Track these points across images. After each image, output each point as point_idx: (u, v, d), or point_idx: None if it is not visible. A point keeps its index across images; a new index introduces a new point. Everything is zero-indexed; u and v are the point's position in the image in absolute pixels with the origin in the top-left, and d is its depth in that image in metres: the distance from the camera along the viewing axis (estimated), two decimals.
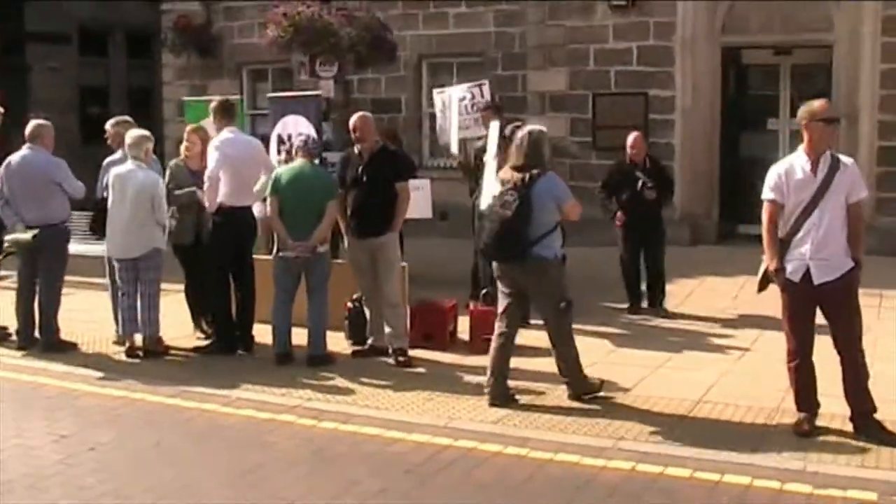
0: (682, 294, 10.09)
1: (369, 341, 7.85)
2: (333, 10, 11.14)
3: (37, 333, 8.02)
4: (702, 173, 13.15)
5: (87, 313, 9.28)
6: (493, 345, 6.50)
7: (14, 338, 8.18)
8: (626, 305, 9.34)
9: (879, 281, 8.68)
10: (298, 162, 7.52)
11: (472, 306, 8.19)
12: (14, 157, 7.90)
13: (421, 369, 7.41)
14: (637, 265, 9.38)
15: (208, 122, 10.81)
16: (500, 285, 6.56)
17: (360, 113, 7.79)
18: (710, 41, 12.96)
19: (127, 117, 8.54)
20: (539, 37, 13.85)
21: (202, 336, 8.33)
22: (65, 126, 17.72)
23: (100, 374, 7.23)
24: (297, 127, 10.14)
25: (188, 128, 8.31)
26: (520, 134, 6.49)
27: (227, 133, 7.81)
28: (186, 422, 6.17)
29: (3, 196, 7.99)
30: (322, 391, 6.72)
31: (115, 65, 19.27)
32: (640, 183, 9.02)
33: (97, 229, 7.84)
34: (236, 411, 6.31)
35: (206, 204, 7.66)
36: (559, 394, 6.58)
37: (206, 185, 7.60)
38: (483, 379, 6.74)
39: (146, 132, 7.94)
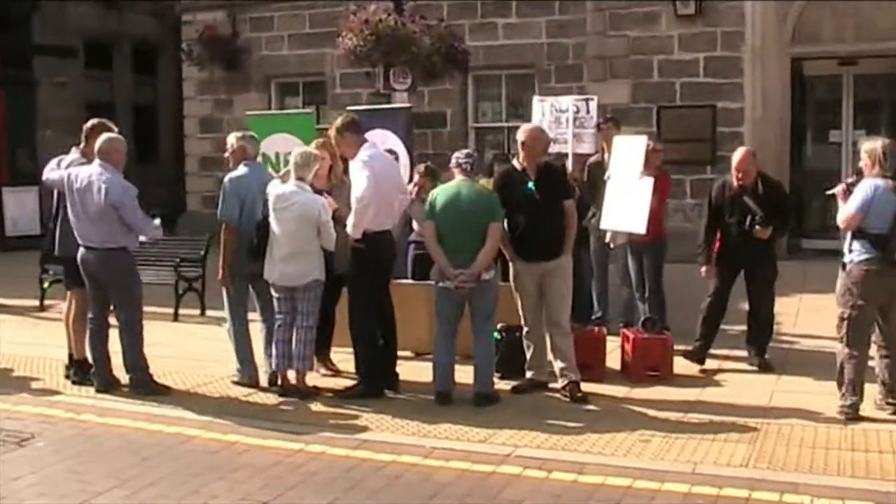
0: (790, 313, 9.60)
1: (529, 375, 7.19)
2: (417, 17, 10.44)
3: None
4: None
5: (169, 348, 8.49)
6: (852, 362, 6.28)
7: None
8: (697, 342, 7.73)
9: None
10: (457, 182, 6.84)
11: (631, 334, 7.58)
12: (81, 173, 6.99)
13: (597, 405, 6.78)
14: (725, 306, 7.78)
15: (275, 140, 10.17)
16: (861, 302, 6.30)
17: (529, 126, 7.14)
18: (780, 51, 12.63)
19: (251, 132, 7.71)
20: (599, 47, 13.38)
21: (328, 373, 7.60)
22: (73, 145, 16.75)
23: (252, 423, 6.43)
24: (384, 142, 9.44)
25: (315, 142, 7.54)
26: (872, 146, 6.35)
27: (367, 148, 7.07)
28: (396, 479, 5.37)
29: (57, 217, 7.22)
30: (521, 435, 6.02)
31: (120, 80, 18.28)
32: (748, 219, 7.44)
33: (258, 254, 6.98)
34: (445, 464, 5.56)
35: (350, 229, 6.88)
36: (786, 429, 6.06)
37: (356, 208, 6.81)
38: (667, 414, 6.41)
39: (315, 150, 7.14)
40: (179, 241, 10.92)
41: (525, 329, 7.17)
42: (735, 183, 7.61)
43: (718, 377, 7.52)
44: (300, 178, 6.93)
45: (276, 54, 15.50)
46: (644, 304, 8.57)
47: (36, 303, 11.00)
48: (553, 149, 9.88)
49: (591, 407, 6.71)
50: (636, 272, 8.63)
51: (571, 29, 13.79)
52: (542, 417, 6.42)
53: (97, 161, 6.99)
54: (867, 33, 12.27)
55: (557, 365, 7.01)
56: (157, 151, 18.84)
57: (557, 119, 10.02)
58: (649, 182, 7.91)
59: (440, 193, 6.81)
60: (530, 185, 6.91)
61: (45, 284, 10.98)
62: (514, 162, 7.16)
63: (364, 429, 6.24)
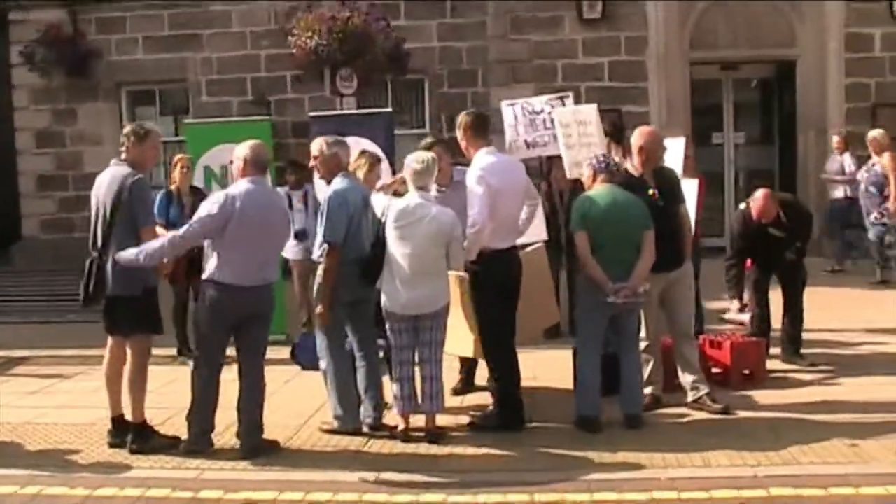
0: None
1: (648, 391, 6.77)
2: (379, 17, 9.64)
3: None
4: None
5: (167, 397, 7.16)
6: None
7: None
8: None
9: None
10: (605, 188, 6.29)
11: (723, 340, 7.37)
12: (241, 193, 5.74)
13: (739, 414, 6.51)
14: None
15: (222, 149, 9.08)
16: None
17: (647, 128, 6.71)
18: (681, 56, 13.04)
19: (340, 137, 6.59)
20: (502, 52, 13.11)
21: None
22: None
23: (418, 477, 5.49)
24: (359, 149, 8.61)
25: (424, 142, 6.68)
26: None
27: (487, 155, 6.34)
28: None
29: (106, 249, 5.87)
30: (728, 455, 5.62)
31: None
32: (787, 255, 7.59)
33: (373, 279, 6.00)
34: (709, 494, 5.01)
35: (468, 253, 6.15)
36: None
37: (471, 230, 6.09)
38: (826, 416, 6.28)
39: (433, 154, 6.20)
40: None
41: (645, 343, 6.76)
42: (755, 218, 7.55)
43: (798, 377, 7.49)
44: (421, 188, 6.07)
45: (127, 59, 13.74)
46: None
47: None
48: (533, 153, 9.54)
49: (732, 416, 6.43)
50: None
51: (465, 32, 13.41)
52: (714, 434, 6.04)
53: (248, 179, 5.73)
54: (756, 40, 12.97)
55: (687, 377, 6.68)
56: None
57: (532, 122, 9.61)
58: (694, 184, 7.81)
59: (593, 201, 6.23)
60: (651, 190, 6.55)
61: None
62: (628, 166, 6.73)
63: (562, 467, 5.55)
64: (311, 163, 6.45)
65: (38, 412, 7.08)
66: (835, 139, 12.09)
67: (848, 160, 11.80)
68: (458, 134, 6.40)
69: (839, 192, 11.86)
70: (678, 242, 6.62)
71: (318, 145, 6.35)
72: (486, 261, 6.20)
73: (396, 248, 5.96)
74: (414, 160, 6.08)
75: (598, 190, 6.31)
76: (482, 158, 6.29)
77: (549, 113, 9.43)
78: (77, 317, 9.09)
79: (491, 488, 5.23)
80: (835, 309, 9.75)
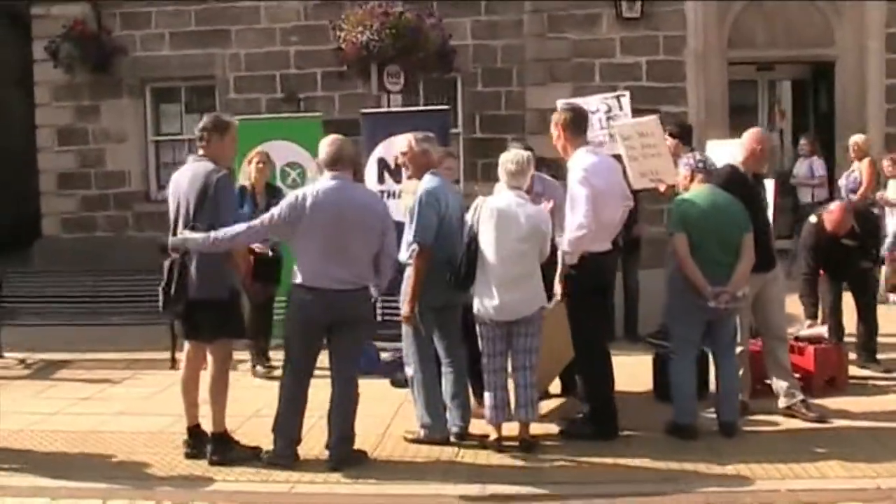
0: None
1: (739, 397, 6.54)
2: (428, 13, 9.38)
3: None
4: None
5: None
6: None
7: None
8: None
9: None
10: (705, 188, 6.06)
11: (805, 346, 7.15)
12: (315, 190, 5.46)
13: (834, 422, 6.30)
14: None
15: (270, 146, 8.90)
16: None
17: (760, 131, 6.49)
18: (720, 55, 12.83)
19: (429, 133, 6.29)
20: (539, 50, 12.85)
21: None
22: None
23: (533, 489, 5.21)
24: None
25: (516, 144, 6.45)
26: None
27: (587, 155, 6.07)
28: None
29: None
30: (840, 466, 5.40)
31: None
32: (863, 264, 7.44)
33: (467, 282, 5.74)
34: None
35: (569, 257, 5.92)
36: None
37: (575, 234, 5.83)
38: None
39: (528, 153, 5.94)
40: None
41: (739, 348, 6.52)
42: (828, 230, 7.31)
43: (879, 383, 7.29)
44: (516, 188, 5.82)
45: (152, 55, 13.42)
46: None
47: None
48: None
49: (829, 424, 6.22)
50: None
51: (500, 30, 13.16)
52: (816, 443, 5.82)
53: (330, 175, 5.45)
54: (794, 40, 12.77)
55: (781, 383, 6.45)
56: None
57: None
58: (771, 183, 7.64)
59: (692, 202, 6.00)
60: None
61: None
62: (737, 164, 6.48)
63: (671, 478, 5.31)
64: (399, 159, 6.19)
65: (97, 420, 6.80)
66: (801, 142, 11.95)
67: (816, 163, 11.67)
68: (554, 132, 6.11)
69: (807, 197, 11.60)
70: (768, 245, 6.42)
71: (406, 141, 6.08)
72: (584, 264, 5.94)
73: (491, 250, 5.70)
74: (509, 160, 5.83)
75: (697, 191, 6.08)
76: (583, 158, 6.01)
77: (606, 112, 9.20)
78: (121, 319, 8.79)
79: (605, 500, 4.99)
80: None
